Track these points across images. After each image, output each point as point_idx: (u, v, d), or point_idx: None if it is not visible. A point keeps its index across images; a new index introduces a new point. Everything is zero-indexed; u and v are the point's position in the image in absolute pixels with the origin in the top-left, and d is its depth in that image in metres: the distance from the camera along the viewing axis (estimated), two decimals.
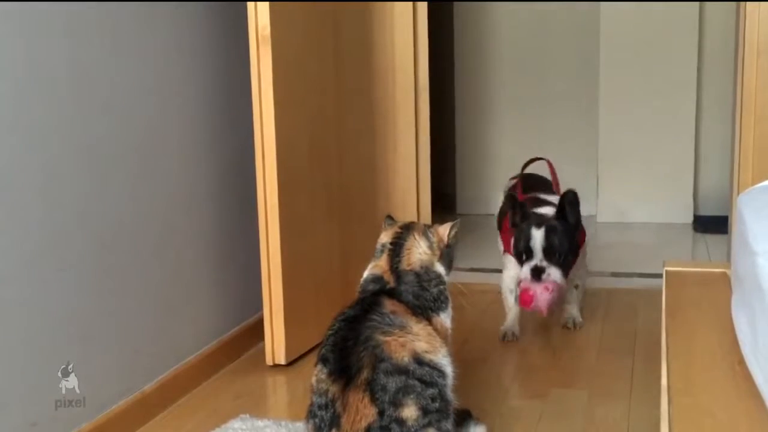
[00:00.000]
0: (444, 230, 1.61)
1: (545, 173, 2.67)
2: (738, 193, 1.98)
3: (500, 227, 2.63)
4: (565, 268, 2.27)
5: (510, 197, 2.42)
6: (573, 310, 2.55)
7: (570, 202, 2.30)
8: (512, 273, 2.46)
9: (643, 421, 1.83)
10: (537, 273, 2.24)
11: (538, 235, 2.25)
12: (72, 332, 1.70)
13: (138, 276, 1.93)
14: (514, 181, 2.71)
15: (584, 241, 2.49)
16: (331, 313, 1.49)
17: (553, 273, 2.23)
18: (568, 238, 2.27)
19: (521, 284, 2.28)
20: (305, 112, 2.33)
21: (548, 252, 2.24)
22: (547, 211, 2.37)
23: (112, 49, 1.83)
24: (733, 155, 2.58)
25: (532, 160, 2.65)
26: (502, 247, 2.56)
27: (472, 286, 2.81)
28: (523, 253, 2.28)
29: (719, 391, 1.13)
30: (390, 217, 1.66)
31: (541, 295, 2.21)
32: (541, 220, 2.29)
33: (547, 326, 2.57)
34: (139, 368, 1.93)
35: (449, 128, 4.55)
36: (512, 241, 2.36)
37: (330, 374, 1.37)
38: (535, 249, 2.25)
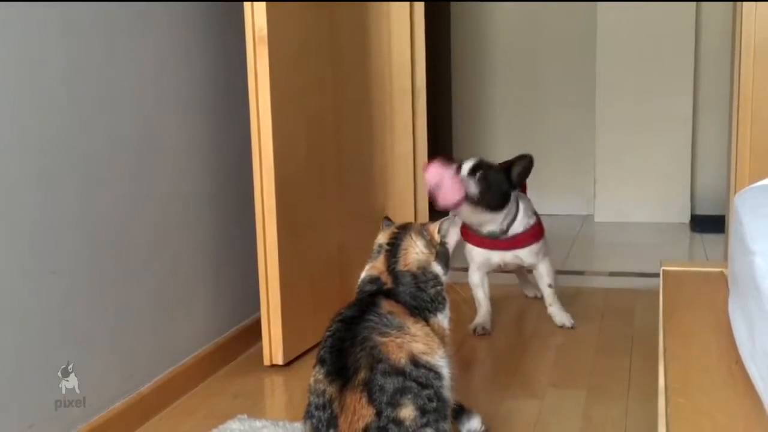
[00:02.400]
0: (434, 228, 1.60)
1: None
2: (735, 193, 1.98)
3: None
4: (485, 195, 2.36)
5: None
6: (559, 312, 2.57)
7: (522, 162, 2.42)
8: (477, 266, 2.55)
9: (641, 420, 1.84)
10: (459, 167, 2.36)
11: (469, 162, 2.39)
12: (70, 333, 1.70)
13: (136, 277, 1.93)
14: None
15: (543, 235, 2.54)
16: (329, 313, 1.49)
17: (469, 184, 2.33)
18: (495, 176, 2.39)
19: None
20: (302, 112, 2.33)
21: (473, 170, 2.37)
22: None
23: (107, 49, 1.83)
24: (730, 155, 2.58)
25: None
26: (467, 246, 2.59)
27: (468, 287, 2.81)
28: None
29: (716, 391, 1.13)
30: (387, 219, 1.66)
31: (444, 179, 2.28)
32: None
33: (544, 326, 2.57)
34: (137, 369, 1.93)
35: (446, 128, 4.55)
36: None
37: (327, 375, 1.37)
38: (464, 166, 2.38)
